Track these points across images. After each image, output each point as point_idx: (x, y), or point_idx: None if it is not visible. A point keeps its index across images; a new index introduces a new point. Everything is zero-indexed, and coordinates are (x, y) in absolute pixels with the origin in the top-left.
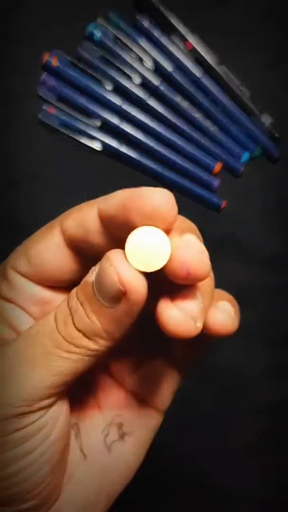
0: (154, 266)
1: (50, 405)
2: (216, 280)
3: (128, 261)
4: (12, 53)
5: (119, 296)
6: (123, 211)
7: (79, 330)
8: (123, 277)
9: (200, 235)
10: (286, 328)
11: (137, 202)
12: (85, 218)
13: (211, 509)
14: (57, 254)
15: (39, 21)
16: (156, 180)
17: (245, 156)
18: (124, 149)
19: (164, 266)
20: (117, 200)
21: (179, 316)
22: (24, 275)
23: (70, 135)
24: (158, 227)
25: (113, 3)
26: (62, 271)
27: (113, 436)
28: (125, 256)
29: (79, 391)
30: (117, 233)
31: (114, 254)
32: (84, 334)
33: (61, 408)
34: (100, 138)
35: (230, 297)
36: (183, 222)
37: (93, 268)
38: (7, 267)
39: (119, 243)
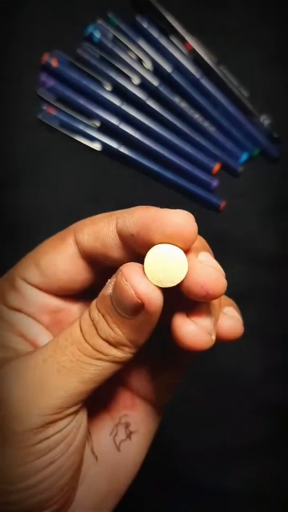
0: (170, 282)
1: (76, 412)
2: None
3: (146, 275)
4: (12, 54)
5: (138, 308)
6: (144, 230)
7: (104, 340)
8: (139, 291)
9: (211, 251)
10: (286, 329)
11: (159, 223)
12: (102, 232)
13: (212, 508)
14: (71, 265)
15: (39, 21)
16: (156, 180)
17: (244, 156)
18: (123, 149)
19: (180, 283)
20: (138, 219)
21: (196, 331)
22: (35, 286)
23: (70, 135)
24: (177, 245)
25: (113, 4)
26: (75, 281)
27: (121, 435)
28: (143, 271)
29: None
30: (135, 248)
31: (128, 269)
32: (110, 343)
33: (84, 415)
34: (100, 139)
35: (231, 301)
36: (198, 240)
37: (109, 281)
38: (16, 277)
39: (136, 256)
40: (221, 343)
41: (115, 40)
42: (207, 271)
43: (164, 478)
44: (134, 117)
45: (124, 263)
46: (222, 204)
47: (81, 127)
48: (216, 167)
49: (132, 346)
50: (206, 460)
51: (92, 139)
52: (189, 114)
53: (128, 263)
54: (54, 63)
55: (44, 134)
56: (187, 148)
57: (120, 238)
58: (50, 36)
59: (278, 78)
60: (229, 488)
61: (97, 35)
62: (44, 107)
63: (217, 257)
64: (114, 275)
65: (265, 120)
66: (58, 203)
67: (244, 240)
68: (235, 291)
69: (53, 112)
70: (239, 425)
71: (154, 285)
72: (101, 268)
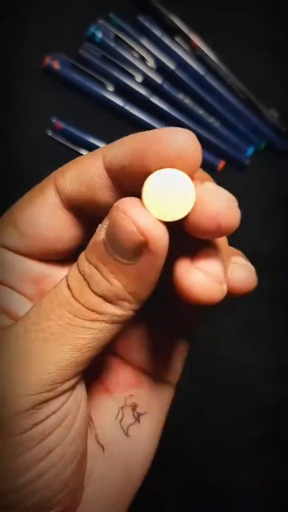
0: (177, 214)
1: (72, 387)
2: None
3: (146, 209)
4: (12, 55)
5: (140, 248)
6: (138, 159)
7: (99, 296)
8: (142, 225)
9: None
10: (287, 329)
11: (157, 145)
12: (87, 172)
13: (214, 508)
14: (54, 219)
15: (39, 22)
16: None
17: (250, 150)
18: None
19: (185, 217)
20: (130, 147)
21: (204, 280)
22: (14, 250)
23: (77, 150)
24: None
25: (114, 3)
26: (61, 238)
27: (129, 419)
28: (142, 204)
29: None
30: (128, 185)
31: (126, 202)
32: (106, 299)
33: (82, 392)
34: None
35: (239, 251)
36: (200, 171)
37: (100, 226)
38: None
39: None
40: (223, 343)
41: (117, 39)
42: (218, 198)
43: (165, 478)
44: (138, 116)
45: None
46: None
47: (89, 140)
48: (221, 165)
49: (134, 301)
50: (208, 460)
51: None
52: (193, 110)
53: (126, 198)
54: (56, 65)
55: (51, 146)
56: None
57: (109, 175)
58: (51, 37)
59: (284, 74)
60: (232, 487)
61: (99, 35)
62: (54, 120)
63: None
64: (106, 218)
65: (273, 114)
66: None
67: (247, 239)
68: None
69: (61, 126)
70: (242, 425)
71: (158, 219)
72: (91, 222)
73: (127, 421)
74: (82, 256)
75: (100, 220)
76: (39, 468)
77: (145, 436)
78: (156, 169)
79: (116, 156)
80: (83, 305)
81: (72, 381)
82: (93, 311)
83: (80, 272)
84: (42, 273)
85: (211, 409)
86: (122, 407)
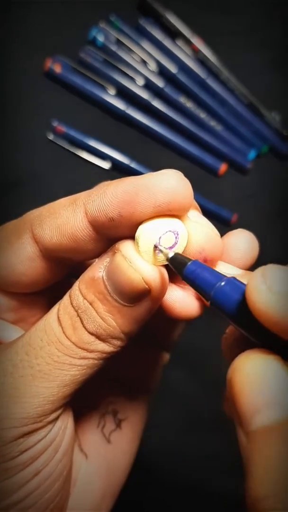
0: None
1: (59, 416)
2: None
3: (143, 257)
4: (15, 59)
5: (143, 294)
6: (128, 209)
7: (92, 334)
8: (147, 275)
9: (199, 208)
10: None
11: (147, 193)
12: (69, 225)
13: None
14: (31, 267)
15: (40, 26)
16: None
17: (252, 153)
18: (134, 165)
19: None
20: (116, 197)
21: (183, 297)
22: None
23: (79, 154)
24: (170, 214)
25: (115, 6)
26: (37, 282)
27: (110, 426)
28: (138, 250)
29: None
30: (113, 233)
31: (129, 250)
32: (98, 337)
33: (69, 414)
34: (110, 154)
35: None
36: None
37: (98, 260)
38: None
39: (113, 240)
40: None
41: (118, 43)
42: (204, 235)
43: (166, 482)
44: (139, 120)
45: (96, 255)
46: (234, 217)
47: (90, 143)
48: (222, 168)
49: (125, 339)
50: (209, 464)
51: (102, 156)
52: (195, 114)
53: (127, 242)
54: (57, 69)
55: (52, 149)
56: (192, 150)
57: (93, 228)
58: (52, 40)
59: (285, 77)
60: (232, 492)
61: (100, 38)
62: (54, 124)
63: None
64: (105, 254)
65: (275, 117)
66: None
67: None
68: None
69: (62, 130)
70: None
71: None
72: (68, 267)
73: (109, 428)
74: (75, 289)
75: (79, 263)
76: (28, 488)
77: (125, 440)
78: (147, 217)
79: (100, 208)
80: (74, 344)
81: (59, 411)
82: (83, 349)
83: (73, 305)
84: (19, 302)
85: (213, 413)
86: (103, 415)
